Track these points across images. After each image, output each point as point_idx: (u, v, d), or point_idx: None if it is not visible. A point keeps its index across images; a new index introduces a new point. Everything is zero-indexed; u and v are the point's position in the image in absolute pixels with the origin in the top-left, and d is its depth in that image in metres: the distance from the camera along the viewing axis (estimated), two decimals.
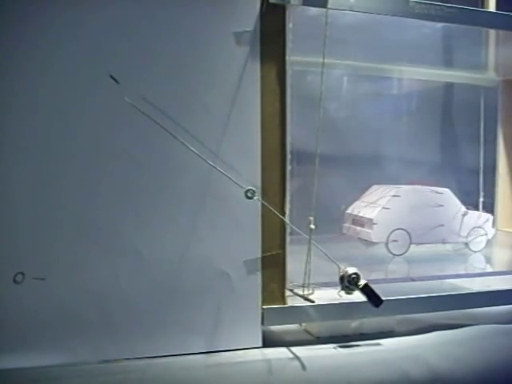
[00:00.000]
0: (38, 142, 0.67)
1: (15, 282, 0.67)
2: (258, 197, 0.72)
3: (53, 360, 0.68)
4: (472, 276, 1.00)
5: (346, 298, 0.79)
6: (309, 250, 0.77)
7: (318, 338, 0.81)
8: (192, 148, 0.71)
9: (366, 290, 0.76)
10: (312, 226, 0.77)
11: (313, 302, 0.77)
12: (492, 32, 1.00)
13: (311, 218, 0.77)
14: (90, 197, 0.69)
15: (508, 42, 1.04)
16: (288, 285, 0.79)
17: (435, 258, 1.13)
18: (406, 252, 1.10)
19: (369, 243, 1.13)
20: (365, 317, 0.80)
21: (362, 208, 1.15)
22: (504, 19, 0.89)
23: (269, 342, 0.77)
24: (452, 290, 0.88)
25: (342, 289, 0.78)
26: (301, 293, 0.79)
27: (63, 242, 0.68)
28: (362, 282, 0.76)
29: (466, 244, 1.16)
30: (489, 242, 1.19)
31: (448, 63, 1.30)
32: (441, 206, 1.13)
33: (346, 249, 1.15)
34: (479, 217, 1.18)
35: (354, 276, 0.77)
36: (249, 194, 0.72)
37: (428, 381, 0.72)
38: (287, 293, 0.78)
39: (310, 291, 0.79)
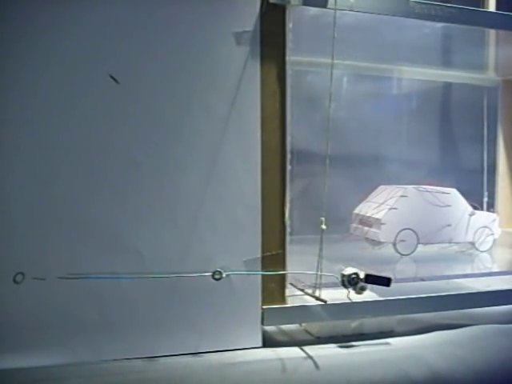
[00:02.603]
0: (37, 142, 0.67)
1: (15, 282, 0.67)
2: (225, 274, 0.72)
3: (53, 360, 0.68)
4: (480, 276, 1.00)
5: (355, 298, 0.79)
6: (320, 250, 0.77)
7: (318, 337, 0.81)
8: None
9: (370, 279, 0.77)
10: (323, 227, 0.77)
11: (325, 301, 0.76)
12: (492, 32, 1.00)
13: (323, 219, 0.77)
14: (90, 197, 0.70)
15: (508, 42, 1.04)
16: (299, 285, 0.80)
17: (442, 258, 1.13)
18: (413, 252, 1.10)
19: (376, 243, 1.13)
20: (365, 317, 0.81)
21: (369, 208, 1.16)
22: (504, 19, 0.90)
23: (269, 341, 0.77)
24: (458, 290, 0.88)
25: (353, 290, 0.78)
26: (311, 293, 0.78)
27: (63, 241, 0.69)
28: (362, 276, 0.78)
29: (473, 244, 1.16)
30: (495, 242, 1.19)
31: (448, 63, 1.30)
32: (448, 206, 1.13)
33: (353, 249, 1.16)
34: (486, 217, 1.18)
35: (353, 276, 0.78)
36: (216, 276, 0.73)
37: (428, 381, 0.72)
38: (288, 292, 0.79)
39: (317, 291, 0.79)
